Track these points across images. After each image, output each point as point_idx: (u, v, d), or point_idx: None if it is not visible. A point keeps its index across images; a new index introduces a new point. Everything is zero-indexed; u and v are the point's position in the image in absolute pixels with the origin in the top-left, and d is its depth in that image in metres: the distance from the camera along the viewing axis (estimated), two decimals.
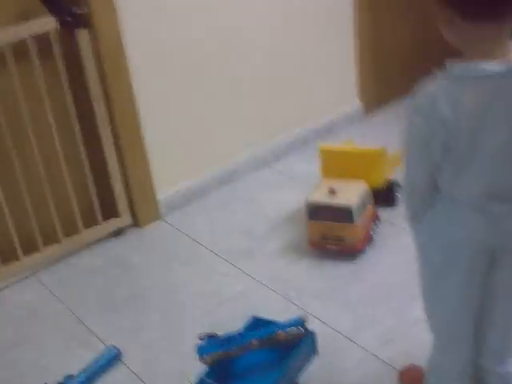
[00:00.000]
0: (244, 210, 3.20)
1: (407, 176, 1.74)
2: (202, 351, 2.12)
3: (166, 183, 3.16)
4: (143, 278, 2.86)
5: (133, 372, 2.40)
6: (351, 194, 2.74)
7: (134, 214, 3.11)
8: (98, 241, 3.07)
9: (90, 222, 3.01)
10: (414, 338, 2.33)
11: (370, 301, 2.56)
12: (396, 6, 3.67)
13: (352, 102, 3.72)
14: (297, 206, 3.08)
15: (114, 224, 3.08)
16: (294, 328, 2.15)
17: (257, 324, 2.25)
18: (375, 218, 2.87)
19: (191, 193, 3.26)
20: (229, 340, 2.14)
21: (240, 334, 2.16)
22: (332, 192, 2.73)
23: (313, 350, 2.22)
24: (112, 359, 2.42)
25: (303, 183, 3.24)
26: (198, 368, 2.16)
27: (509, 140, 1.57)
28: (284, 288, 2.68)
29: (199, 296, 2.70)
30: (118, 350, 2.44)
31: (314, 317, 2.47)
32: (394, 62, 3.78)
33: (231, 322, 2.37)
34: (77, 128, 2.86)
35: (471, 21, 1.50)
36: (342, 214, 2.69)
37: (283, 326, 2.15)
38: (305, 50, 3.43)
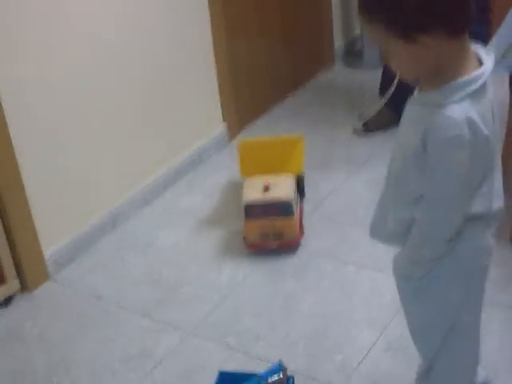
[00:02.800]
0: (141, 256, 2.92)
1: (442, 222, 1.58)
2: None
3: (51, 239, 2.83)
4: (55, 349, 2.49)
5: None
6: (285, 187, 2.77)
7: (20, 278, 2.75)
8: None
9: None
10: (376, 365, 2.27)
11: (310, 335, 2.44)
12: (251, 28, 3.74)
13: (217, 126, 3.61)
14: (194, 244, 2.91)
15: (1, 292, 2.69)
16: (275, 376, 2.00)
17: (226, 379, 2.07)
18: (302, 210, 2.93)
19: (77, 246, 2.94)
20: None
21: None
22: (267, 188, 2.74)
23: None
24: None
25: (191, 218, 3.09)
26: None
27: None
28: (219, 334, 2.47)
29: (129, 361, 2.41)
30: None
31: (261, 359, 2.30)
32: (253, 83, 3.80)
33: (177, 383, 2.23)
34: None
35: (458, 34, 1.46)
36: (283, 209, 2.71)
37: (265, 377, 2.00)
38: (167, 81, 3.26)
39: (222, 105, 3.57)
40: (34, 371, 2.41)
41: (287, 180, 2.81)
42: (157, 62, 3.17)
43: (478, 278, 1.70)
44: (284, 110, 3.88)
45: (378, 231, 1.73)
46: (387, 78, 3.53)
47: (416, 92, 1.58)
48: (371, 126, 3.55)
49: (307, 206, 3.01)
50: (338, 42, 4.36)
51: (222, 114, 3.59)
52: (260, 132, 3.68)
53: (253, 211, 2.71)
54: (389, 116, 3.45)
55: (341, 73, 4.21)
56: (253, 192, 2.74)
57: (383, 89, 3.66)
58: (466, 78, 1.47)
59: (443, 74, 1.49)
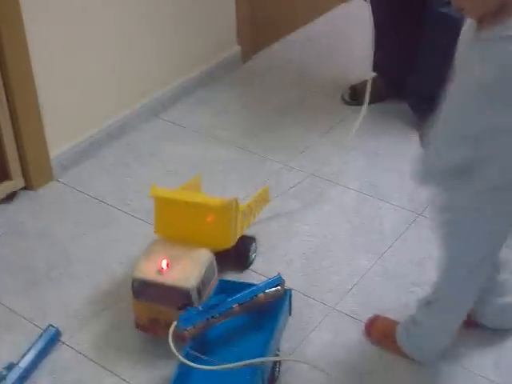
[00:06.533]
0: (146, 166, 2.94)
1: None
2: (185, 323, 1.92)
3: (57, 141, 2.84)
4: (56, 246, 2.53)
5: (79, 352, 2.14)
6: (190, 269, 2.08)
7: (25, 176, 2.77)
8: None
9: None
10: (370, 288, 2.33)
11: None
12: None
13: (231, 47, 3.58)
14: (200, 159, 2.91)
15: (6, 188, 2.72)
16: (273, 289, 2.01)
17: (226, 287, 2.09)
18: None
19: (82, 150, 2.95)
20: (209, 308, 1.95)
21: (220, 301, 1.97)
22: (165, 267, 2.09)
23: (289, 310, 2.10)
24: (52, 340, 2.13)
25: (198, 134, 3.09)
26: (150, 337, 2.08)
27: None
28: None
29: (128, 263, 2.43)
30: (57, 329, 2.16)
31: (258, 273, 2.36)
32: (270, 8, 3.72)
33: None
34: None
35: None
36: (177, 297, 2.04)
37: (263, 288, 2.01)
38: None
39: (237, 26, 3.53)
40: (33, 265, 2.45)
41: (199, 258, 2.12)
42: None
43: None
44: (299, 37, 3.84)
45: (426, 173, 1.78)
46: (381, 52, 3.18)
47: (470, 32, 1.59)
48: (360, 94, 3.17)
49: (315, 132, 3.04)
50: None
51: (237, 36, 3.56)
52: (274, 56, 3.68)
53: (142, 290, 2.07)
54: (382, 88, 3.22)
55: (359, 7, 4.16)
56: (148, 264, 2.10)
57: (378, 65, 3.24)
58: None
59: (507, 11, 1.50)
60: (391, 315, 2.15)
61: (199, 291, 2.06)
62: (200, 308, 1.95)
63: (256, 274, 2.35)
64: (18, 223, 2.63)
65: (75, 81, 2.84)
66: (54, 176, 2.83)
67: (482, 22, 1.55)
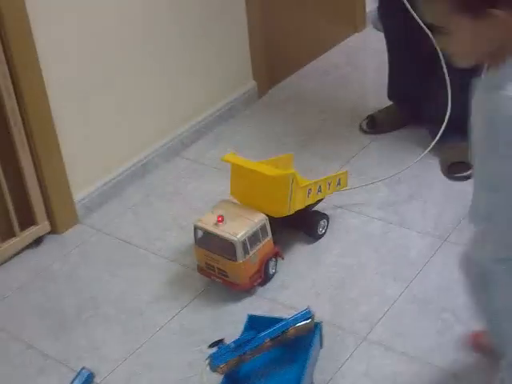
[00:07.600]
0: (169, 204, 2.96)
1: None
2: (217, 360, 1.95)
3: (80, 184, 2.88)
4: (84, 288, 2.55)
5: None
6: (241, 225, 2.39)
7: (51, 220, 2.80)
8: (16, 254, 2.72)
9: (6, 234, 2.68)
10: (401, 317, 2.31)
11: None
12: None
13: (247, 83, 3.62)
14: (222, 195, 2.81)
15: (32, 233, 2.74)
16: (303, 322, 2.03)
17: (256, 323, 2.11)
18: (274, 255, 2.49)
19: (106, 192, 2.98)
20: (241, 344, 2.00)
21: (252, 336, 2.02)
22: (221, 221, 2.40)
23: (320, 342, 2.10)
24: (86, 383, 2.13)
25: (218, 170, 3.09)
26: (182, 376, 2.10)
27: None
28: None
29: (156, 302, 2.46)
30: (91, 371, 2.16)
31: (286, 306, 2.36)
32: (284, 42, 3.78)
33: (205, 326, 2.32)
34: None
35: None
36: (226, 248, 2.37)
37: (293, 321, 2.04)
38: (198, 34, 3.27)
39: (252, 62, 3.57)
40: (62, 309, 2.46)
41: (252, 218, 2.41)
42: (188, 17, 3.17)
43: None
44: (314, 69, 3.88)
45: (473, 215, 1.68)
46: (395, 79, 3.27)
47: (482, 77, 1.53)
48: (377, 123, 3.28)
49: (336, 163, 3.05)
50: (370, 6, 4.36)
51: (253, 72, 3.60)
52: (290, 89, 3.71)
53: (200, 237, 2.46)
54: (398, 115, 3.29)
55: (371, 37, 4.21)
56: (210, 217, 2.44)
57: (394, 93, 3.32)
58: None
59: (508, 53, 1.44)
60: (424, 343, 2.16)
61: (244, 246, 2.35)
62: (232, 345, 1.96)
63: (284, 307, 2.35)
64: (46, 267, 2.65)
65: (96, 122, 2.88)
66: (79, 219, 2.86)
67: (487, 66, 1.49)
